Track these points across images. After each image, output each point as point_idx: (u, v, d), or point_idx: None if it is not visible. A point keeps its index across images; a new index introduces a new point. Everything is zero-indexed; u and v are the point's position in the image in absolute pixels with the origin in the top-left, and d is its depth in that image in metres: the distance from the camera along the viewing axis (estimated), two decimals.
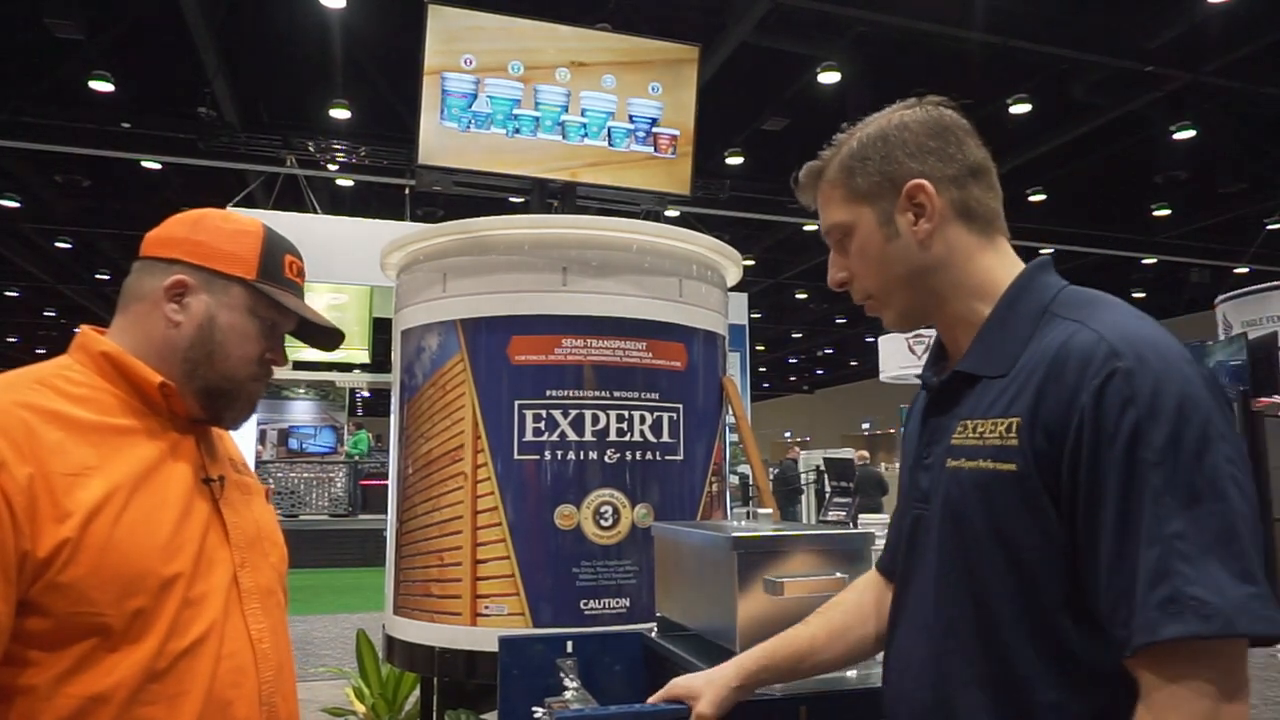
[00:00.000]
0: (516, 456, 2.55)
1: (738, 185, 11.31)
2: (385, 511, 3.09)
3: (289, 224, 6.91)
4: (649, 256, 2.75)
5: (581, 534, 2.54)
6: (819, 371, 33.19)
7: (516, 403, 2.56)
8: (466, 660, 2.53)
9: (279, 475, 14.45)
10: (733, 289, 3.20)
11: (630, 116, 4.40)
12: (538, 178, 4.33)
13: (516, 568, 2.51)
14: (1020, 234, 12.46)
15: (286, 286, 1.27)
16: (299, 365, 13.46)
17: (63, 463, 1.01)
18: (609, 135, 4.37)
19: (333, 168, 10.39)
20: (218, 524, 1.17)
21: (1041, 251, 12.83)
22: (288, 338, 1.31)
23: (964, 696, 0.98)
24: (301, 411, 16.64)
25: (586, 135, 4.32)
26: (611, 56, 4.37)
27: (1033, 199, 12.45)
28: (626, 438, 2.60)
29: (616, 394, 2.60)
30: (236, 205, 8.73)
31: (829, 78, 8.89)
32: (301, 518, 14.13)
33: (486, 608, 2.51)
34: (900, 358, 12.73)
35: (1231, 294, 10.09)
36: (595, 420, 2.57)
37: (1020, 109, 9.46)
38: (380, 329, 12.20)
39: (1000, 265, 1.07)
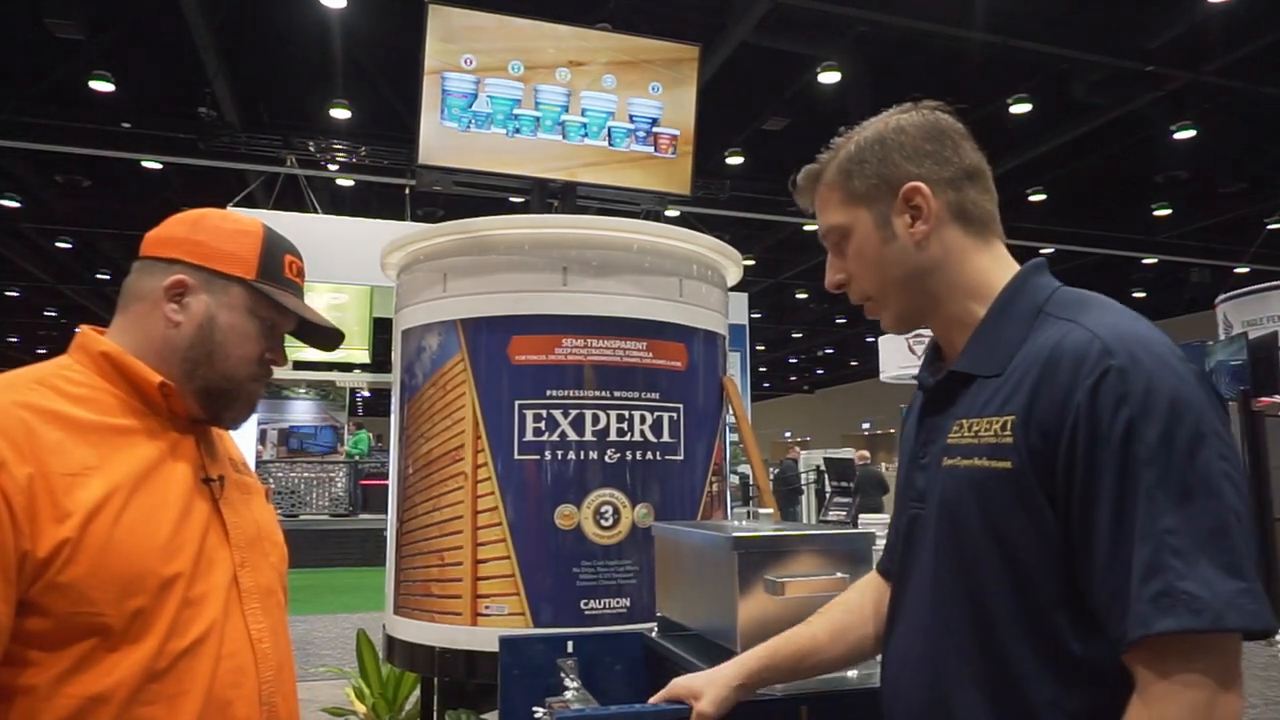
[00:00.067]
0: (517, 456, 2.55)
1: (738, 185, 11.32)
2: (385, 511, 3.08)
3: (289, 224, 6.92)
4: (649, 256, 2.75)
5: (582, 534, 2.54)
6: (819, 371, 33.21)
7: (517, 403, 2.56)
8: (467, 660, 2.52)
9: (279, 475, 14.46)
10: (733, 289, 3.20)
11: (630, 116, 4.40)
12: (538, 178, 4.33)
13: (517, 567, 2.51)
14: (1020, 234, 12.48)
15: (286, 286, 1.27)
16: (299, 365, 13.47)
17: (62, 463, 1.01)
18: (609, 135, 4.37)
19: (333, 168, 10.40)
20: (218, 524, 1.17)
21: (1042, 251, 12.85)
22: (288, 338, 1.31)
23: (961, 695, 0.99)
24: (302, 411, 16.64)
25: (587, 135, 4.32)
26: (612, 56, 4.37)
27: (1033, 199, 12.46)
28: (627, 437, 2.60)
29: (617, 394, 2.60)
30: (236, 205, 8.74)
31: (829, 78, 8.89)
32: (302, 517, 14.14)
33: (487, 608, 2.51)
34: (900, 358, 12.73)
35: (1232, 294, 10.10)
36: (595, 420, 2.57)
37: (1020, 109, 9.46)
38: (380, 329, 12.21)
39: (995, 267, 1.08)
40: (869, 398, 27.48)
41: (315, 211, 9.75)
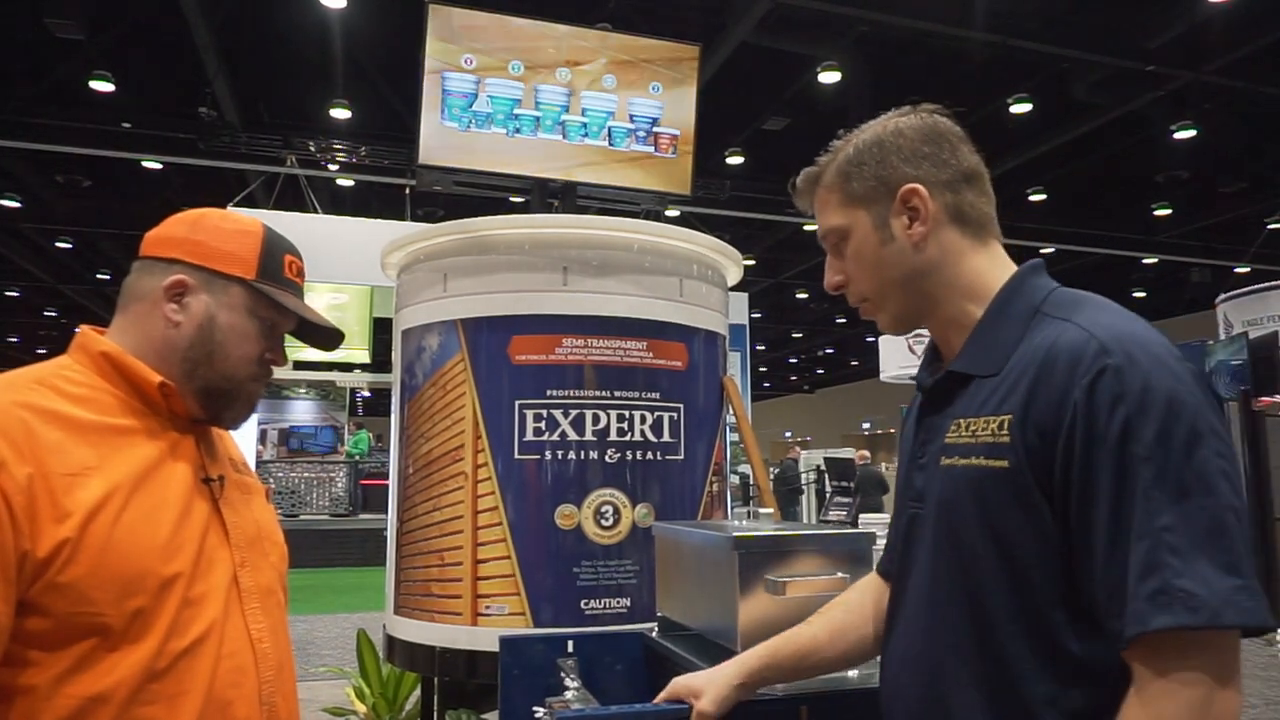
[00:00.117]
0: (517, 456, 2.55)
1: (738, 185, 11.32)
2: (385, 511, 3.08)
3: (289, 224, 6.92)
4: (649, 256, 2.75)
5: (582, 534, 2.54)
6: (819, 371, 33.20)
7: (517, 402, 2.56)
8: (467, 660, 2.52)
9: (279, 475, 14.46)
10: (733, 289, 3.20)
11: (630, 116, 4.41)
12: (538, 178, 4.33)
13: (517, 567, 2.51)
14: (1020, 234, 12.48)
15: (286, 286, 1.27)
16: (299, 365, 13.47)
17: (62, 463, 1.01)
18: (609, 135, 4.37)
19: (333, 168, 10.40)
20: (217, 524, 1.17)
21: (1042, 251, 12.84)
22: (288, 337, 1.31)
23: (959, 694, 0.99)
24: (302, 411, 16.65)
25: (587, 135, 4.32)
26: (612, 56, 4.38)
27: (1033, 199, 12.46)
28: (627, 437, 2.60)
29: (617, 394, 2.60)
30: (237, 205, 8.74)
31: (829, 78, 8.89)
32: (302, 517, 14.14)
33: (487, 607, 2.51)
34: (900, 357, 12.71)
35: (1232, 294, 10.09)
36: (596, 420, 2.57)
37: (1020, 109, 9.46)
38: (380, 329, 12.21)
39: (993, 268, 1.09)
40: (869, 398, 27.48)
41: (315, 211, 9.75)
